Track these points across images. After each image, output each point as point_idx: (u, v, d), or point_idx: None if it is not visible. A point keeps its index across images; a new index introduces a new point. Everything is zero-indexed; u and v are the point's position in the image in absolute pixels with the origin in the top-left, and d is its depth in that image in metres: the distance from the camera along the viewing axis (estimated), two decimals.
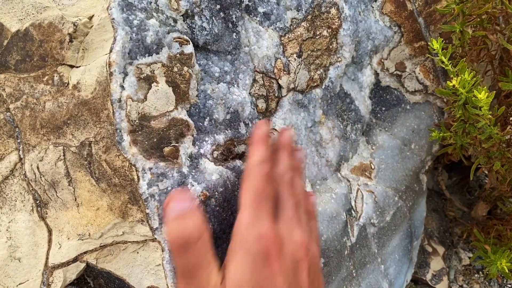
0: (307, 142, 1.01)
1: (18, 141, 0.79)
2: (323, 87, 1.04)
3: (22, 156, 0.78)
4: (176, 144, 0.75)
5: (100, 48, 0.73)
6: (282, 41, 0.95)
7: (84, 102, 0.73)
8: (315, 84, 1.03)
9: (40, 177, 0.77)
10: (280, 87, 0.95)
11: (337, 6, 1.04)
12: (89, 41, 0.74)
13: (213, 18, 0.85)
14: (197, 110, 0.81)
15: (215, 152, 0.81)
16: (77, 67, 0.75)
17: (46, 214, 0.78)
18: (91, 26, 0.74)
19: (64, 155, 0.75)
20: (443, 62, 0.90)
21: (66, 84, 0.75)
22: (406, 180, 1.18)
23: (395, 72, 1.23)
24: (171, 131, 0.75)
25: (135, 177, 0.71)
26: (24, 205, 0.79)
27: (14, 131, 0.79)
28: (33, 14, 0.78)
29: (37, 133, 0.77)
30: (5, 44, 0.77)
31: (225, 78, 0.87)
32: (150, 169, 0.72)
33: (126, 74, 0.72)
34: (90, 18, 0.75)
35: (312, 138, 1.02)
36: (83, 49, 0.75)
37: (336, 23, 1.04)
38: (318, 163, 1.03)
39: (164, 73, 0.76)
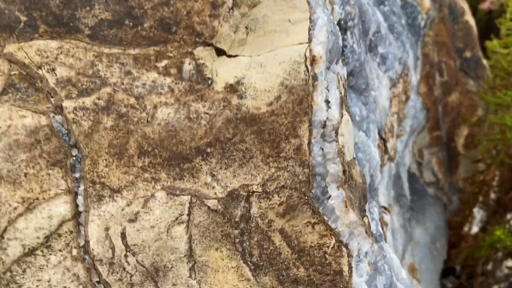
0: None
1: (76, 175, 0.38)
2: (395, 162, 0.84)
3: (83, 208, 0.38)
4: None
5: (281, 32, 0.42)
6: (390, 95, 0.74)
7: (250, 119, 0.39)
8: (393, 155, 0.82)
9: (126, 255, 0.37)
10: (386, 150, 0.72)
11: (409, 72, 0.89)
12: (258, 17, 0.42)
13: (361, 40, 0.61)
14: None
15: None
16: (231, 56, 0.41)
17: None
18: None
19: (188, 214, 0.38)
20: None
21: (208, 81, 0.40)
22: (437, 285, 1.01)
23: (417, 159, 1.11)
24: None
25: (345, 268, 0.38)
26: None
27: (66, 154, 0.38)
28: None
29: (129, 165, 0.38)
30: None
31: (362, 126, 0.61)
32: (367, 254, 0.40)
33: (328, 82, 0.42)
34: None
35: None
36: (246, 28, 0.42)
37: (409, 91, 0.88)
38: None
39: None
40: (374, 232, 0.47)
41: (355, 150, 0.56)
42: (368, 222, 0.45)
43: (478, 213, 1.20)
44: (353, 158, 0.46)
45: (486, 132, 1.17)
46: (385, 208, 0.68)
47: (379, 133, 0.69)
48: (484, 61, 1.31)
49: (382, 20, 0.74)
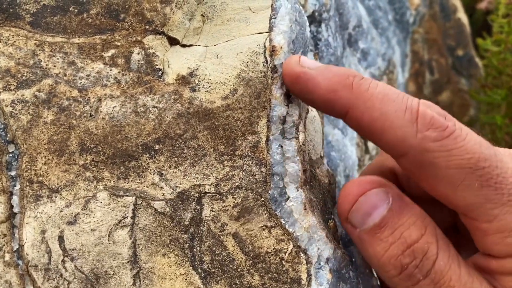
0: None
1: (12, 173, 0.35)
2: None
3: (18, 209, 0.35)
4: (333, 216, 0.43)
5: (240, 21, 0.39)
6: None
7: (204, 114, 0.36)
8: (375, 155, 0.79)
9: (63, 261, 0.34)
10: (367, 150, 0.69)
11: (396, 69, 0.86)
12: (216, 4, 0.39)
13: (337, 34, 0.58)
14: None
15: None
16: (186, 45, 0.39)
17: None
18: None
19: (133, 217, 0.35)
20: None
21: (159, 72, 0.37)
22: None
23: None
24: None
25: (303, 275, 0.35)
26: None
27: (2, 150, 0.36)
28: None
29: (70, 162, 0.35)
30: None
31: (338, 123, 0.58)
32: (328, 260, 0.37)
33: None
34: None
35: None
36: (203, 16, 0.39)
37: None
38: None
39: None
40: (343, 236, 0.44)
41: (328, 148, 0.53)
42: (335, 225, 0.42)
43: None
44: (320, 157, 0.44)
45: (477, 132, 1.14)
46: None
47: None
48: (477, 60, 1.27)
49: (364, 14, 0.71)
